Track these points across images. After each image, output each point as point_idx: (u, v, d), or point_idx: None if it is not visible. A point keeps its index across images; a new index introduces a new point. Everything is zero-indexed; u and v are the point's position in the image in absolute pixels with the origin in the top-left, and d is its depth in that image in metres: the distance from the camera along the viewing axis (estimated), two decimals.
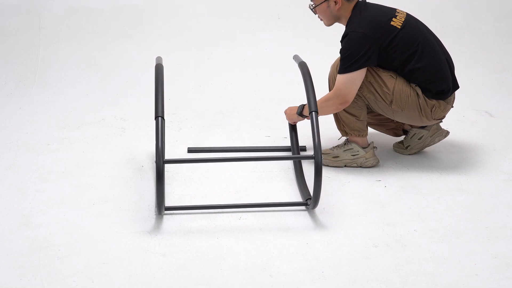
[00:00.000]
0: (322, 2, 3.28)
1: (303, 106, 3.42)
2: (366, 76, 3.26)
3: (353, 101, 3.32)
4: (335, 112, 3.36)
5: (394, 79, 3.28)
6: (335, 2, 3.27)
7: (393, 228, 2.83)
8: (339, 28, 3.51)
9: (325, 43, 5.20)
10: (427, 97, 3.30)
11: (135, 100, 4.55)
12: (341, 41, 3.26)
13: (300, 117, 3.46)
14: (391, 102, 3.29)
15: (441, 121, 3.52)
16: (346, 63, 3.19)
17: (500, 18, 5.53)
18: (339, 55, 3.73)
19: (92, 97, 4.60)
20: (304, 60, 3.28)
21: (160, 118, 2.80)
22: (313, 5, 3.33)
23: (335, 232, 2.80)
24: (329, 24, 3.37)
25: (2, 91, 4.64)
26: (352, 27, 3.21)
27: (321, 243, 2.71)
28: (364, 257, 2.61)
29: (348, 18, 3.29)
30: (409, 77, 3.28)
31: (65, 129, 3.98)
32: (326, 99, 3.29)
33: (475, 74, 5.00)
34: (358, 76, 3.20)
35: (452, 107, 3.53)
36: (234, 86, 4.84)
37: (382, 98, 3.30)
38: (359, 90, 3.29)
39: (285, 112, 3.61)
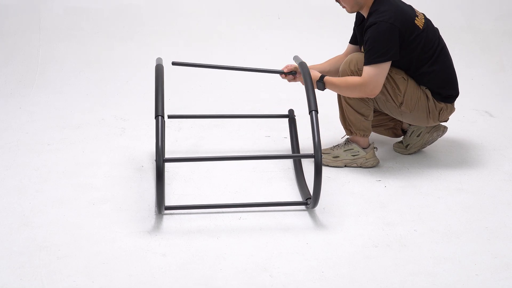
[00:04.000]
0: None
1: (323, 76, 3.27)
2: None
3: (365, 100, 3.29)
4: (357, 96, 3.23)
5: (406, 81, 3.27)
6: None
7: (393, 228, 2.83)
8: (339, 28, 3.50)
9: (325, 43, 5.20)
10: (436, 100, 3.32)
11: (135, 100, 4.55)
12: (366, 29, 3.15)
13: (319, 86, 3.28)
14: (401, 103, 3.29)
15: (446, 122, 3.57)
16: (374, 54, 3.08)
17: (500, 18, 5.53)
18: (338, 53, 3.73)
19: (92, 97, 4.60)
20: (304, 61, 3.28)
21: (160, 117, 2.80)
22: None
23: (335, 232, 2.80)
24: (352, 11, 3.24)
25: (2, 91, 4.64)
26: (381, 16, 3.09)
27: (321, 243, 2.71)
28: (364, 257, 2.61)
29: (370, 6, 3.19)
30: (420, 79, 3.28)
31: (65, 129, 3.98)
32: (353, 85, 3.14)
33: (475, 74, 5.00)
34: (386, 68, 3.12)
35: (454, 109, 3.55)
36: (234, 86, 4.83)
37: (392, 100, 3.29)
38: None
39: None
